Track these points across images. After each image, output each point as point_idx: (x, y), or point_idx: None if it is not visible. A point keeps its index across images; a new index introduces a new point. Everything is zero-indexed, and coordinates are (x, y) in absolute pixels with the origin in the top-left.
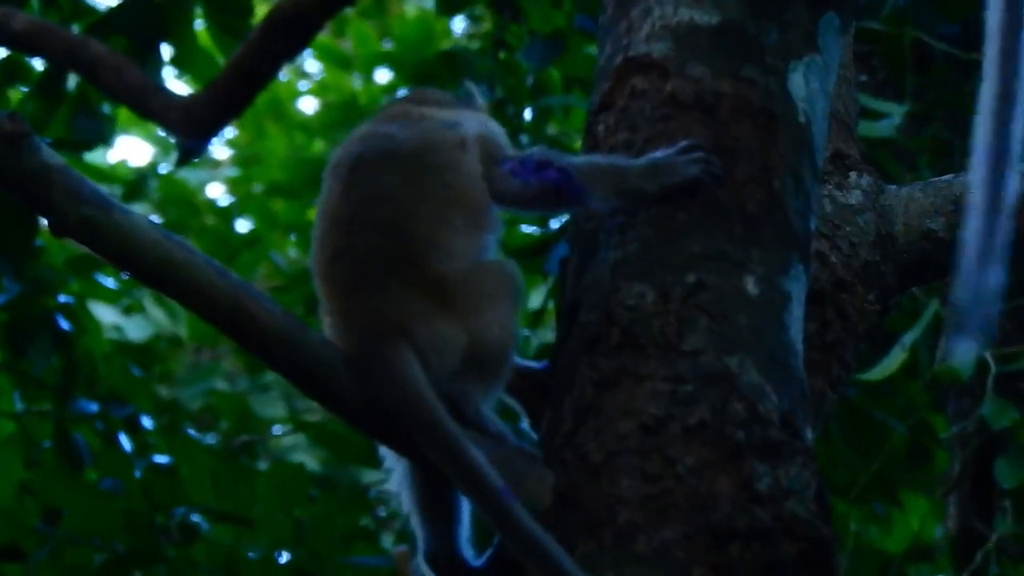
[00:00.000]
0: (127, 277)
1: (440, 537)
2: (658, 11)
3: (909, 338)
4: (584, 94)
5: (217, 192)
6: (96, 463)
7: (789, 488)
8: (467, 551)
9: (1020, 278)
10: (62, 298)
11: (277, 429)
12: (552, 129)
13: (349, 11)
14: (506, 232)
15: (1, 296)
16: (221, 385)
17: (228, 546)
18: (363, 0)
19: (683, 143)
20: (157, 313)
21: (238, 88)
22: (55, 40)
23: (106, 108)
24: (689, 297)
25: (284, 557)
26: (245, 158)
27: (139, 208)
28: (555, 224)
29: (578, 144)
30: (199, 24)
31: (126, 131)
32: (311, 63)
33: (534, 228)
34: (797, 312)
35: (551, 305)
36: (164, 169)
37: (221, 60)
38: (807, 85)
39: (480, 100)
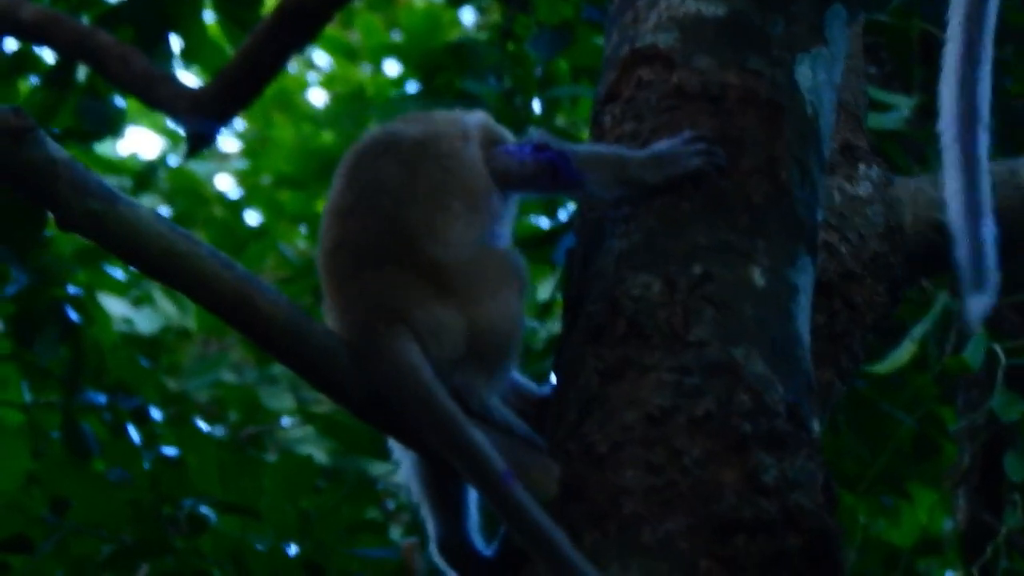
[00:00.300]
0: (130, 267)
1: (449, 526)
2: (664, 2)
3: (919, 331)
4: (592, 84)
5: (225, 184)
6: (104, 454)
7: (795, 480)
8: (477, 540)
9: None
10: (71, 289)
11: (285, 421)
12: (560, 120)
13: (357, 2)
14: (515, 223)
15: (10, 287)
16: (229, 377)
17: (235, 537)
18: None
19: (687, 134)
20: (166, 305)
21: (247, 79)
22: (63, 30)
23: (117, 99)
24: (695, 288)
25: (291, 549)
26: (253, 149)
27: (148, 200)
28: (564, 215)
29: (586, 134)
30: (208, 15)
31: (135, 122)
32: (319, 55)
33: (542, 219)
34: (804, 303)
35: (559, 297)
36: (173, 161)
37: (230, 51)
38: (814, 76)
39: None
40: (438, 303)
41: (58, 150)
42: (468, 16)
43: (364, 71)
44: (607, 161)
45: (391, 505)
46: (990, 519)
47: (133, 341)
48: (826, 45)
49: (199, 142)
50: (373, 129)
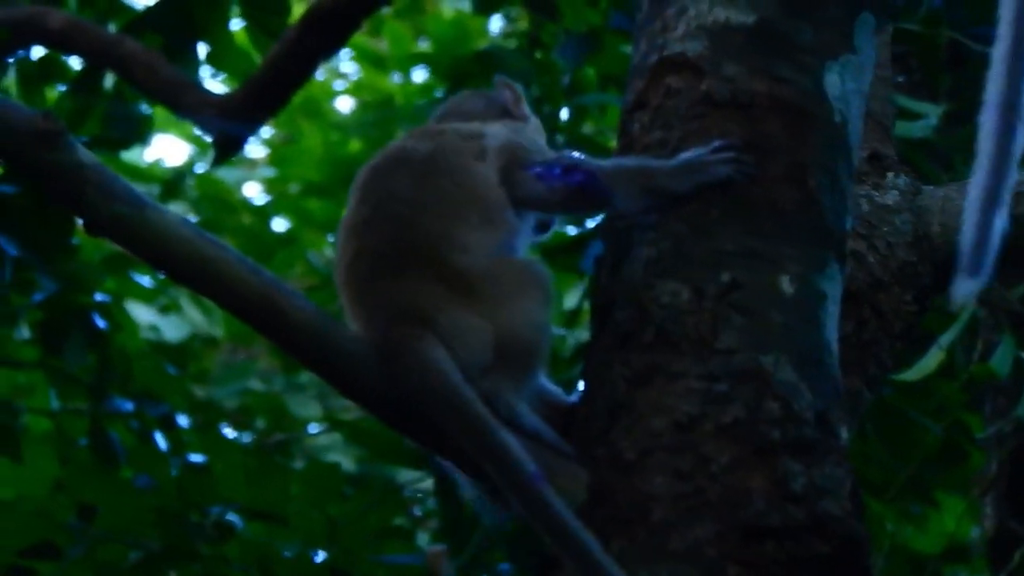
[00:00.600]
0: (162, 276)
1: None
2: (693, 10)
3: (946, 339)
4: (620, 92)
5: (253, 191)
6: (131, 461)
7: (823, 487)
8: None
9: None
10: (98, 296)
11: (312, 428)
12: (588, 128)
13: (385, 10)
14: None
15: (37, 294)
16: (256, 384)
17: (262, 544)
18: (399, 1)
19: (715, 143)
20: (193, 313)
21: (274, 86)
22: (90, 38)
23: (143, 107)
24: (724, 295)
25: (318, 555)
26: (281, 157)
27: (176, 207)
28: (590, 222)
29: (613, 143)
30: (236, 23)
31: (162, 130)
32: (347, 63)
33: (570, 226)
34: (832, 311)
35: (587, 304)
36: (201, 168)
37: (257, 59)
38: (842, 85)
39: (523, 105)
40: (462, 308)
41: (87, 155)
42: (496, 24)
43: (392, 79)
44: (634, 174)
45: (418, 512)
46: (1017, 527)
47: (160, 348)
48: (855, 53)
49: (227, 149)
50: (385, 147)
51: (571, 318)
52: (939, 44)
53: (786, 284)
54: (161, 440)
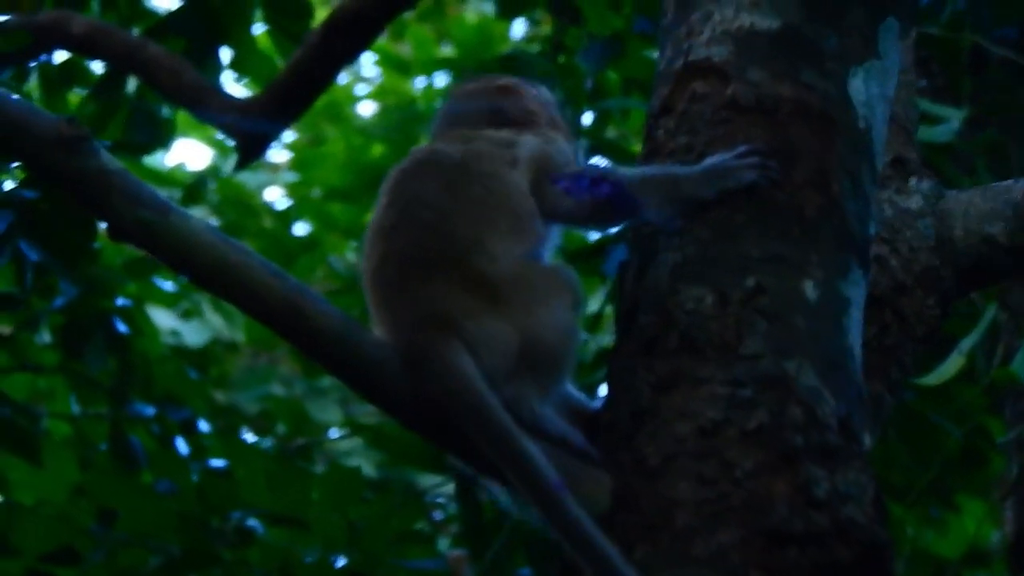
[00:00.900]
0: (184, 281)
1: None
2: (718, 16)
3: (967, 343)
4: (643, 96)
5: (275, 195)
6: (151, 466)
7: (846, 493)
8: None
9: None
10: (119, 301)
11: (333, 433)
12: (611, 132)
13: (408, 15)
14: (565, 235)
15: (58, 299)
16: (277, 389)
17: (283, 548)
18: (422, 3)
19: (740, 148)
20: (214, 318)
21: (297, 91)
22: (113, 42)
23: (165, 111)
24: (748, 300)
25: (339, 560)
26: (303, 161)
27: (197, 211)
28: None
29: (636, 147)
30: (258, 27)
31: (184, 134)
32: (368, 67)
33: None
34: (856, 316)
35: (610, 308)
36: (223, 172)
37: (280, 63)
38: (867, 90)
39: (556, 114)
40: (489, 314)
41: (111, 160)
42: (519, 28)
43: (414, 83)
44: (661, 183)
45: (439, 516)
46: None
47: (181, 353)
48: (879, 58)
49: (249, 154)
50: (415, 149)
51: (593, 322)
52: (962, 48)
53: (810, 289)
54: (182, 445)
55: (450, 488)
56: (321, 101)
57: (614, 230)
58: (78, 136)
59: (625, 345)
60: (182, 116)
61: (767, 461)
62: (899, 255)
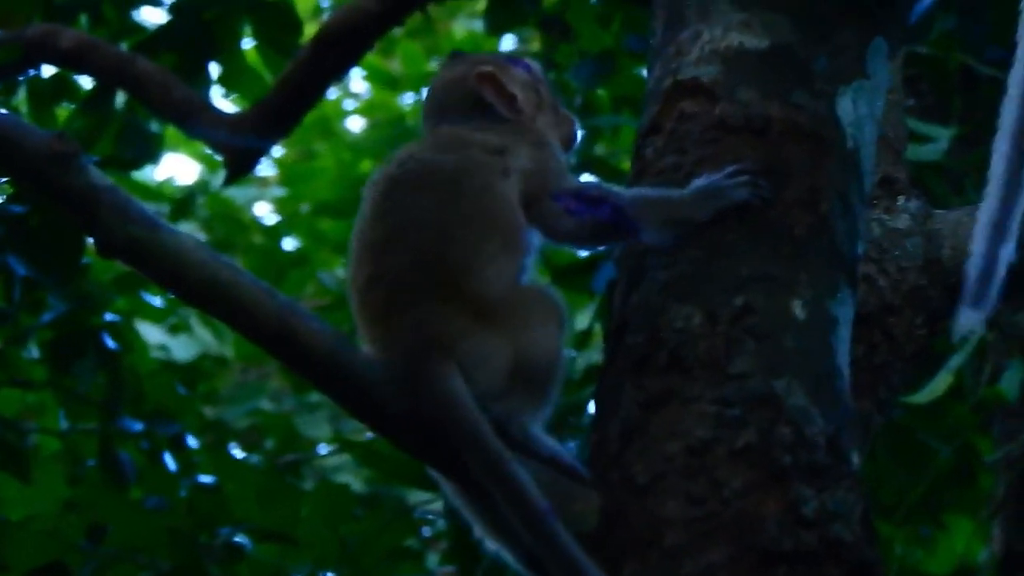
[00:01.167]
0: (170, 294)
1: (518, 541)
2: (707, 35)
3: (955, 361)
4: (633, 114)
5: (264, 210)
6: (141, 481)
7: (835, 512)
8: None
9: None
10: (108, 316)
11: (323, 449)
12: (600, 149)
13: (397, 31)
14: (552, 252)
15: (47, 313)
16: (267, 405)
17: (272, 565)
18: (412, 20)
19: (729, 168)
20: (203, 333)
21: (287, 106)
22: (103, 57)
23: (153, 126)
24: (737, 320)
25: None
26: (292, 176)
27: (186, 226)
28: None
29: (626, 164)
30: (247, 42)
31: (173, 149)
32: (357, 83)
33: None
34: (844, 335)
35: (597, 326)
36: (212, 187)
37: (269, 78)
38: (855, 110)
39: (543, 90)
40: (482, 335)
41: (100, 176)
42: (508, 44)
43: (403, 99)
44: (658, 204)
45: (428, 533)
46: None
47: (171, 368)
48: (868, 78)
49: (239, 169)
50: (403, 153)
51: (582, 339)
52: (951, 67)
53: (799, 309)
54: (171, 461)
55: (439, 505)
56: (310, 116)
57: (603, 247)
58: (68, 152)
59: (614, 363)
60: (170, 130)
61: (756, 480)
62: (887, 274)
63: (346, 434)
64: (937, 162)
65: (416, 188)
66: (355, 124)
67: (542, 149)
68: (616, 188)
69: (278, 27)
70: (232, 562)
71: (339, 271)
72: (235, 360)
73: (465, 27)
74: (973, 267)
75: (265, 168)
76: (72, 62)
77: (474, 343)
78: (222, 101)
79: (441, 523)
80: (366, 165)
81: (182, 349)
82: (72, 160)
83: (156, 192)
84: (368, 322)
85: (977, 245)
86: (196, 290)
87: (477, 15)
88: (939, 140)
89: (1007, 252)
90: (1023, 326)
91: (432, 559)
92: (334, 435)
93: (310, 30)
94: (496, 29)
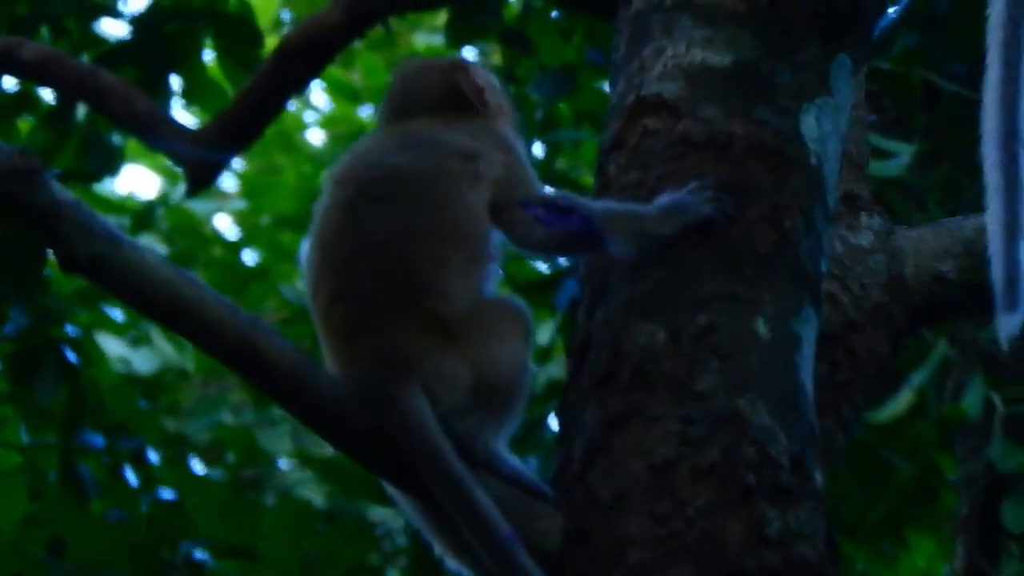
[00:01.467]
0: (133, 310)
1: (477, 559)
2: (671, 51)
3: (918, 379)
4: (594, 129)
5: (225, 223)
6: (102, 496)
7: (799, 531)
8: None
9: None
10: (69, 329)
11: (284, 463)
12: (561, 163)
13: (358, 43)
14: (515, 267)
15: (8, 327)
16: (228, 418)
17: None
18: (373, 32)
19: (692, 184)
20: (164, 345)
21: (248, 119)
22: (65, 70)
23: (114, 138)
24: (700, 338)
25: None
26: (253, 189)
27: (147, 239)
28: (563, 260)
29: (587, 179)
30: (208, 55)
31: (133, 161)
32: (318, 95)
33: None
34: (807, 353)
35: (559, 341)
36: (173, 200)
37: (230, 91)
38: (819, 127)
39: (488, 95)
40: (445, 355)
41: (63, 192)
42: (469, 56)
43: (364, 111)
44: (625, 218)
45: (388, 548)
46: (987, 567)
47: (132, 382)
48: (831, 95)
49: (200, 182)
50: (371, 151)
51: (543, 355)
52: (913, 83)
53: (762, 327)
54: (132, 475)
55: (401, 521)
56: (271, 129)
57: (565, 262)
58: (31, 168)
59: (577, 381)
60: (131, 143)
61: (720, 499)
62: (850, 292)
63: (308, 449)
64: (899, 178)
65: (384, 199)
66: (316, 137)
67: (510, 154)
68: (584, 200)
69: (239, 40)
70: None
71: (300, 285)
72: (196, 373)
73: (426, 40)
74: (996, 274)
75: (226, 181)
76: (35, 74)
77: (438, 362)
78: (183, 114)
79: (402, 539)
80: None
81: (143, 362)
82: (35, 176)
83: (117, 205)
84: (331, 338)
85: (994, 252)
86: (159, 306)
87: (438, 28)
88: (901, 156)
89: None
90: (984, 342)
91: (392, 574)
92: (296, 450)
93: (271, 42)
94: (457, 42)
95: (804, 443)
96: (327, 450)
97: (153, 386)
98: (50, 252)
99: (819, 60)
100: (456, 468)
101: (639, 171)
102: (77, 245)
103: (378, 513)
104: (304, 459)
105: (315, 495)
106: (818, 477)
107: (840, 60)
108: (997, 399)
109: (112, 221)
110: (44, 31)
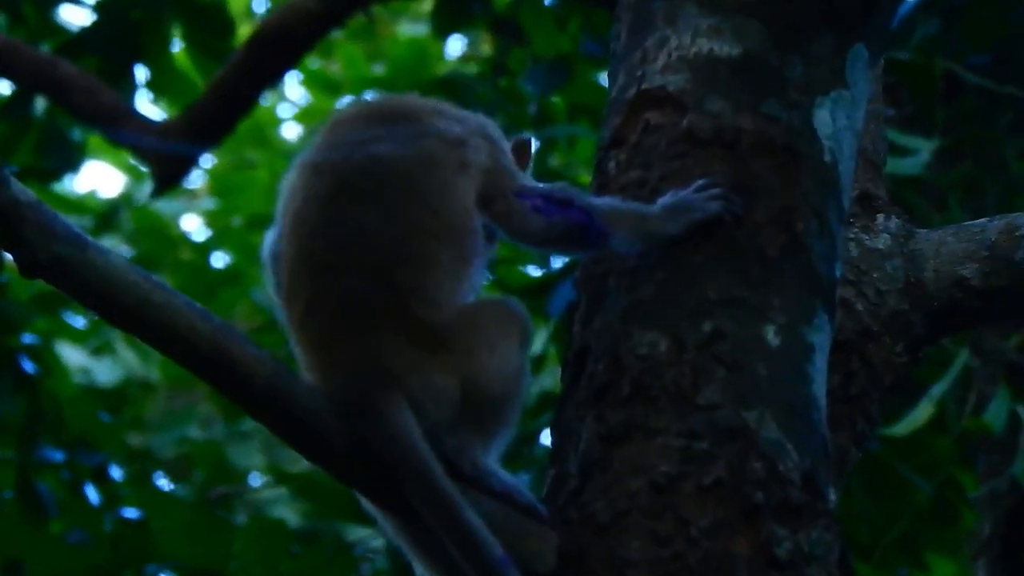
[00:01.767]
0: (97, 317)
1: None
2: (675, 41)
3: (937, 390)
4: (591, 124)
5: (193, 224)
6: (62, 514)
7: (811, 553)
8: None
9: None
10: (27, 337)
11: (255, 479)
12: (556, 161)
13: (337, 33)
14: (506, 272)
15: None
16: (196, 432)
17: None
18: (353, 22)
19: (699, 182)
20: (128, 354)
21: (219, 112)
22: (23, 60)
23: (75, 133)
24: (705, 346)
25: None
26: (224, 187)
27: (110, 241)
28: (557, 263)
29: (584, 178)
30: (176, 44)
31: (95, 157)
32: (293, 88)
33: (536, 268)
34: (820, 364)
35: (553, 350)
36: (138, 199)
37: (200, 83)
38: (833, 122)
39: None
40: (432, 365)
41: (23, 191)
42: (455, 45)
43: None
44: (628, 216)
45: (368, 570)
46: None
47: (93, 393)
48: (847, 88)
49: (167, 180)
50: (347, 137)
51: (536, 365)
52: (934, 75)
53: (772, 335)
54: (94, 493)
55: (380, 541)
56: (244, 123)
57: (558, 265)
58: None
59: (573, 393)
60: (94, 139)
61: (726, 519)
62: (866, 298)
63: (282, 464)
64: (918, 176)
65: (367, 192)
66: (291, 131)
67: (494, 144)
68: (585, 194)
69: (209, 29)
70: None
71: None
72: (162, 384)
73: (410, 30)
74: None
75: (195, 179)
76: None
77: (425, 373)
78: (150, 107)
79: (382, 561)
80: None
81: (105, 373)
82: None
83: (77, 204)
84: (309, 347)
85: None
86: (126, 313)
87: (422, 17)
88: (920, 153)
89: None
90: (1009, 352)
91: None
92: (268, 465)
93: (244, 32)
94: (443, 31)
95: (816, 459)
96: (302, 465)
97: (116, 398)
98: (7, 255)
99: (833, 51)
100: (444, 485)
101: (640, 169)
102: (39, 248)
103: (357, 533)
104: (278, 475)
105: (289, 514)
106: (831, 495)
107: (856, 51)
108: (1022, 412)
109: (73, 221)
110: (0, 18)
